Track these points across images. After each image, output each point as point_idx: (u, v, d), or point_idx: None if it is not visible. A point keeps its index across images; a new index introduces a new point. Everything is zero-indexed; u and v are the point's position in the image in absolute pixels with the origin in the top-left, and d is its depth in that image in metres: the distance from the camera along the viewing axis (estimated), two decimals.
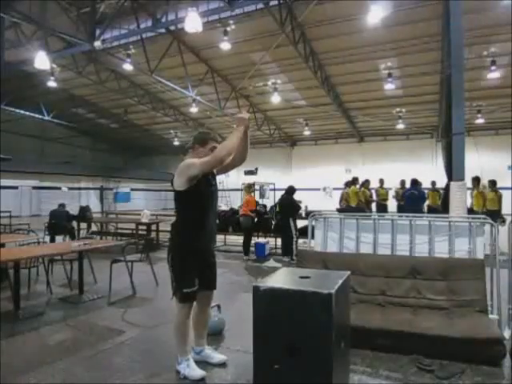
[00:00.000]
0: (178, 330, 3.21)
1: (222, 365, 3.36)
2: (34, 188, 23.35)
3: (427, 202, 12.08)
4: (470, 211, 8.95)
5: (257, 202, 10.49)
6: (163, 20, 11.33)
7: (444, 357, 3.30)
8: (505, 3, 10.61)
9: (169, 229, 11.53)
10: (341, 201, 12.36)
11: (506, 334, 3.67)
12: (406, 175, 12.93)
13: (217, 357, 3.43)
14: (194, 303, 3.25)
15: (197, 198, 3.13)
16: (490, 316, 3.85)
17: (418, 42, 12.96)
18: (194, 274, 3.17)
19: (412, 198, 11.11)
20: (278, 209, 9.60)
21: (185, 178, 3.04)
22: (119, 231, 12.27)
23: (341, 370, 2.73)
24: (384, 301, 4.10)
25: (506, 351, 3.27)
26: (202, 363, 3.30)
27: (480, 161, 17.71)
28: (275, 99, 17.23)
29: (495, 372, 3.17)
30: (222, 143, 3.12)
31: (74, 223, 11.18)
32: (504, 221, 8.29)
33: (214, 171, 3.32)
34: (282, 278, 3.11)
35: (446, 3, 7.87)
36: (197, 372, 3.13)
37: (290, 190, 9.07)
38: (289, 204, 8.94)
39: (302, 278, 2.89)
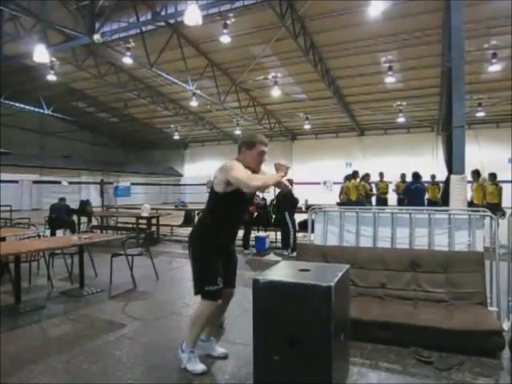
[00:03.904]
0: (195, 322, 3.15)
1: (223, 357, 3.38)
2: (35, 182, 23.35)
3: (427, 196, 12.10)
4: (471, 204, 8.96)
5: (257, 196, 10.49)
6: (163, 13, 11.28)
7: (443, 349, 3.32)
8: None
9: (168, 223, 11.47)
10: (341, 194, 12.36)
11: (505, 325, 3.69)
12: (407, 169, 12.95)
13: (219, 350, 3.44)
14: None
15: (232, 204, 3.07)
16: (490, 308, 3.86)
17: (419, 34, 12.89)
18: (216, 273, 3.10)
19: (416, 192, 11.12)
20: (275, 202, 9.61)
21: (224, 179, 3.00)
22: (119, 225, 12.29)
23: (340, 362, 2.75)
24: (384, 294, 4.11)
25: (505, 343, 3.28)
26: (202, 356, 3.31)
27: (480, 154, 17.69)
28: (275, 93, 17.17)
29: (494, 364, 3.18)
30: (261, 177, 3.02)
31: (75, 217, 11.18)
32: (504, 214, 8.29)
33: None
34: (281, 271, 3.12)
35: None
36: (198, 366, 3.12)
37: None
38: (285, 198, 8.93)
39: (301, 270, 2.90)
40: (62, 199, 10.74)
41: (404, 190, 12.03)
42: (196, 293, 3.15)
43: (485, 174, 10.53)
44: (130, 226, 11.43)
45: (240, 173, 2.93)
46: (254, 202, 9.76)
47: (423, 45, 13.48)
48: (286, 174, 3.09)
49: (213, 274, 3.09)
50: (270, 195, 10.56)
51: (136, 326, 4.24)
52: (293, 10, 12.07)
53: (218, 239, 3.16)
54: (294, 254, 8.22)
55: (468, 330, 3.33)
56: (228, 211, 3.12)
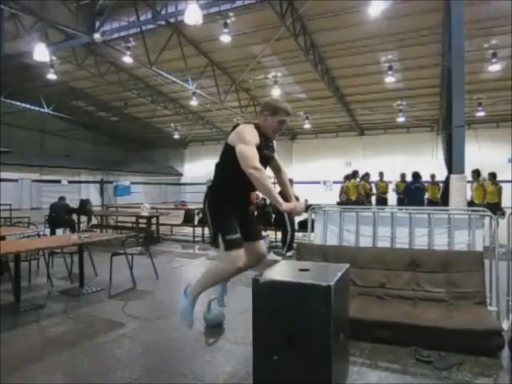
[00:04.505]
0: (211, 275, 3.14)
1: (223, 355, 3.39)
2: (34, 181, 23.32)
3: (427, 196, 12.11)
4: (471, 204, 8.97)
5: (257, 196, 10.49)
6: (163, 12, 11.30)
7: (443, 348, 3.32)
8: None
9: (168, 222, 11.46)
10: (341, 194, 12.38)
11: (505, 325, 3.69)
12: (407, 168, 12.96)
13: (224, 301, 3.58)
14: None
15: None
16: (489, 308, 3.87)
17: (419, 34, 12.89)
18: (234, 221, 3.03)
19: (416, 192, 11.14)
20: None
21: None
22: (119, 224, 12.30)
23: (340, 362, 2.75)
24: (383, 293, 4.11)
25: (505, 342, 3.29)
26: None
27: (480, 153, 17.69)
28: (275, 92, 17.14)
29: (493, 363, 3.19)
30: (267, 179, 2.85)
31: (74, 216, 11.18)
32: (503, 213, 8.30)
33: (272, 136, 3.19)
34: (281, 271, 3.12)
35: None
36: (189, 321, 3.22)
37: None
38: (284, 197, 8.90)
39: (301, 270, 2.90)
40: (62, 198, 10.74)
41: (404, 189, 12.04)
42: (213, 243, 3.16)
43: (484, 174, 10.53)
44: (130, 225, 11.44)
45: (248, 150, 2.83)
46: (254, 201, 9.76)
47: (423, 44, 13.46)
48: (289, 211, 3.04)
49: (232, 222, 3.03)
50: None
51: (136, 326, 4.24)
52: (293, 9, 12.07)
53: (232, 194, 3.09)
54: (290, 253, 8.25)
55: (467, 330, 3.33)
56: (237, 164, 2.89)
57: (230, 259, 3.00)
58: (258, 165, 2.81)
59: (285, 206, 2.94)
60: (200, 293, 3.20)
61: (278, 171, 3.40)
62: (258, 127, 3.04)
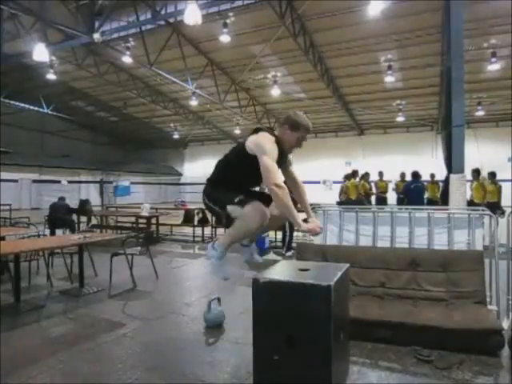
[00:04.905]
0: (237, 228, 2.90)
1: (223, 355, 3.38)
2: (34, 181, 23.33)
3: (426, 195, 12.10)
4: (470, 203, 8.97)
5: None
6: (162, 12, 11.30)
7: (443, 347, 3.32)
8: None
9: (168, 222, 11.41)
10: (340, 194, 12.38)
11: (505, 324, 3.69)
12: (406, 168, 12.95)
13: (257, 256, 3.38)
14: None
15: (254, 168, 2.79)
16: (489, 307, 3.86)
17: (419, 34, 12.90)
18: (237, 192, 2.88)
19: (417, 191, 11.13)
20: None
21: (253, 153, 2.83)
22: (119, 224, 12.28)
23: (340, 361, 2.75)
24: (383, 293, 4.11)
25: (505, 342, 3.29)
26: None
27: (480, 153, 17.69)
28: (275, 92, 17.18)
29: (494, 362, 3.18)
30: (288, 200, 2.68)
31: (74, 216, 11.17)
32: (503, 213, 8.29)
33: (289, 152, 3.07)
34: (281, 271, 3.11)
35: None
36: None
37: None
38: None
39: (301, 270, 2.90)
40: (62, 198, 10.73)
41: (403, 189, 12.02)
42: (228, 225, 2.96)
43: (484, 173, 10.53)
44: (130, 225, 11.43)
45: (273, 165, 2.73)
46: None
47: (423, 44, 13.47)
48: (307, 232, 2.91)
49: (232, 192, 2.89)
50: None
51: (136, 326, 4.23)
52: (292, 9, 12.09)
53: (231, 187, 2.96)
54: (289, 253, 8.25)
55: (468, 329, 3.33)
56: (248, 168, 2.87)
57: (250, 210, 2.78)
58: (280, 182, 2.74)
59: (304, 226, 2.81)
60: (229, 245, 3.00)
61: (294, 184, 3.25)
62: (277, 141, 2.92)
